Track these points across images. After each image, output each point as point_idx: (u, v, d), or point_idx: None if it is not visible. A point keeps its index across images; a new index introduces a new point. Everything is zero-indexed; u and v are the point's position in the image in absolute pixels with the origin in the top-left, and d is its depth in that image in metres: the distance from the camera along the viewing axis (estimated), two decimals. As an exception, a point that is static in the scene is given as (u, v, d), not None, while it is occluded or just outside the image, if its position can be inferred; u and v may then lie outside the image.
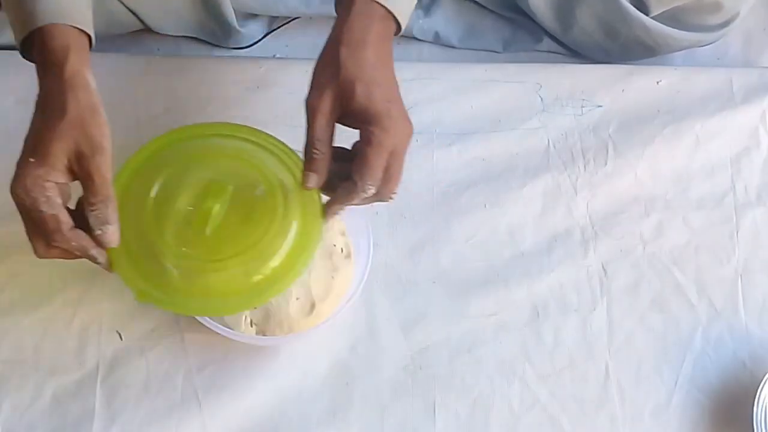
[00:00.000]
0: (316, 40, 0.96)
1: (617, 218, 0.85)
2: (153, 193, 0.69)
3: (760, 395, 0.75)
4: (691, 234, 0.85)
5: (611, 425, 0.77)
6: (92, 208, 0.63)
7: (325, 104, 0.66)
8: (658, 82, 0.91)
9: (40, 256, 0.65)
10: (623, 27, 0.94)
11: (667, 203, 0.86)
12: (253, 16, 0.93)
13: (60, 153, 0.62)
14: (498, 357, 0.79)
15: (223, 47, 0.94)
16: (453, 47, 0.97)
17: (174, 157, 0.72)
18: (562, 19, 0.96)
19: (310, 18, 0.95)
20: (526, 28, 0.99)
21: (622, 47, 0.95)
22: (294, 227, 0.69)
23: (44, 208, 0.62)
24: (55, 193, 0.62)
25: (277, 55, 0.95)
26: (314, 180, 0.68)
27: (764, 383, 0.76)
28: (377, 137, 0.65)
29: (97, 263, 0.66)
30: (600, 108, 0.89)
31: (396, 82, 0.68)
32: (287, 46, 0.96)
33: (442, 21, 0.97)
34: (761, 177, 0.88)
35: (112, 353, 0.76)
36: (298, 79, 0.86)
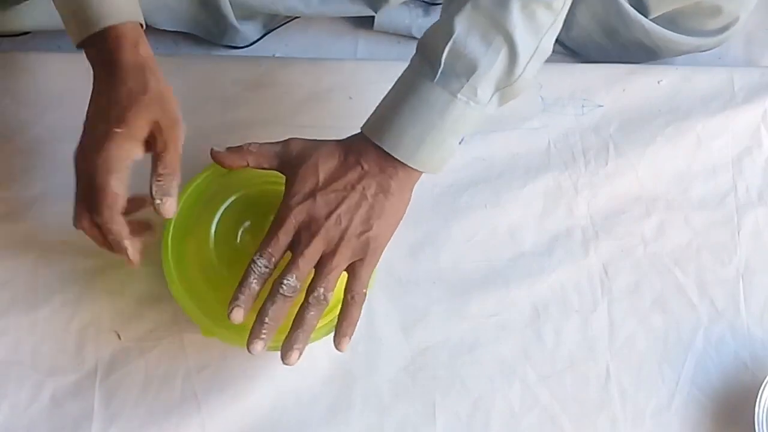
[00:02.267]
0: (315, 39, 0.97)
1: (618, 218, 0.85)
2: (213, 228, 0.73)
3: (761, 396, 0.75)
4: (693, 234, 0.85)
5: (612, 426, 0.77)
6: (159, 179, 0.66)
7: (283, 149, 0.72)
8: (659, 82, 0.91)
9: (79, 227, 0.67)
10: (622, 28, 0.93)
11: (669, 203, 0.86)
12: (251, 15, 0.93)
13: (145, 124, 0.65)
14: (498, 357, 0.79)
15: (220, 45, 0.94)
16: (453, 47, 0.97)
17: (229, 190, 0.75)
18: None
19: (310, 18, 0.95)
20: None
21: (622, 49, 0.95)
22: None
23: (113, 182, 0.64)
24: (128, 174, 0.65)
25: (277, 55, 0.95)
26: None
27: (766, 384, 0.76)
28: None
29: (124, 254, 0.67)
30: (601, 108, 0.89)
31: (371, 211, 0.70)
32: (287, 45, 0.96)
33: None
34: (763, 177, 0.88)
35: (111, 354, 0.75)
36: (298, 78, 0.87)
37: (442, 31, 0.68)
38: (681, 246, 0.84)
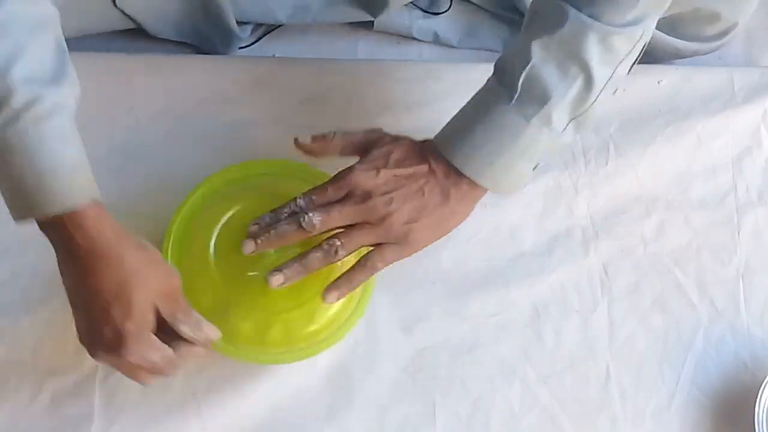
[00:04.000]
0: (315, 40, 0.97)
1: (618, 218, 0.85)
2: (213, 242, 0.73)
3: (761, 396, 0.75)
4: (693, 234, 0.85)
5: (612, 426, 0.77)
6: (184, 323, 0.65)
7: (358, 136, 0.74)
8: (659, 82, 0.91)
9: (147, 383, 0.66)
10: None
11: (669, 203, 0.86)
12: (254, 26, 0.93)
13: (151, 306, 0.63)
14: (498, 357, 0.79)
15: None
16: (453, 47, 0.97)
17: (227, 201, 0.75)
18: None
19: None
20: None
21: None
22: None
23: (157, 359, 0.64)
24: (158, 340, 0.64)
25: (277, 55, 0.95)
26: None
27: (766, 384, 0.76)
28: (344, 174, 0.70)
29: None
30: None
31: (446, 220, 0.72)
32: (287, 45, 0.96)
33: (442, 21, 0.97)
34: (763, 177, 0.88)
35: (112, 354, 0.76)
36: (298, 78, 0.87)
37: (521, 56, 0.68)
38: (681, 246, 0.84)
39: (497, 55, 0.98)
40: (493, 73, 0.72)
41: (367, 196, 0.69)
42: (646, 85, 0.90)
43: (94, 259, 0.62)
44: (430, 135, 0.86)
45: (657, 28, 0.92)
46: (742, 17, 0.94)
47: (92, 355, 0.64)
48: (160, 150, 0.82)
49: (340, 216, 0.69)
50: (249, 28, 0.94)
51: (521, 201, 0.85)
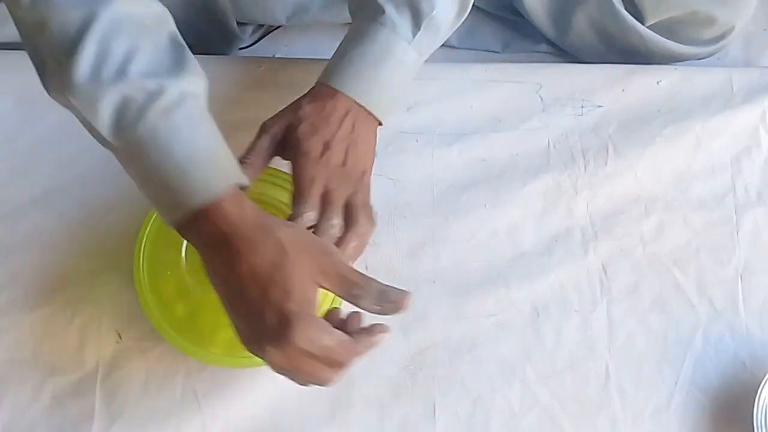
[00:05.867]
0: (315, 40, 0.97)
1: (617, 218, 0.85)
2: (184, 247, 0.73)
3: (760, 396, 0.75)
4: (692, 234, 0.85)
5: (611, 425, 0.77)
6: (370, 299, 0.60)
7: (270, 124, 0.73)
8: (658, 82, 0.91)
9: (330, 382, 0.61)
10: (619, 34, 0.94)
11: (668, 203, 0.86)
12: (254, 27, 0.93)
13: (311, 289, 0.59)
14: (498, 357, 0.79)
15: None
16: (453, 47, 0.97)
17: None
18: (557, 23, 0.96)
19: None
20: (525, 31, 0.99)
21: (618, 55, 0.95)
22: None
23: (330, 342, 0.59)
24: (327, 323, 0.60)
25: (277, 55, 0.95)
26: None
27: (765, 383, 0.76)
28: (302, 165, 0.70)
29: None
30: (600, 108, 0.89)
31: (347, 142, 0.72)
32: (287, 46, 0.96)
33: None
34: (762, 177, 0.88)
35: (112, 353, 0.76)
36: (298, 79, 0.86)
37: None
38: (680, 246, 0.85)
39: (497, 55, 0.99)
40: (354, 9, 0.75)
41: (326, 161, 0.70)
42: (645, 86, 0.91)
43: (241, 244, 0.58)
44: (430, 135, 0.87)
45: (654, 31, 0.93)
46: (738, 21, 0.94)
47: (261, 353, 0.59)
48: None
49: (336, 198, 0.70)
50: (249, 29, 0.94)
51: (521, 201, 0.85)
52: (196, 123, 0.60)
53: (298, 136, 0.71)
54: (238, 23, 0.90)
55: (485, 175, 0.85)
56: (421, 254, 0.82)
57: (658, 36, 0.93)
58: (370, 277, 0.61)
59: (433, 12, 0.72)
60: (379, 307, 0.60)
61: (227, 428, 0.74)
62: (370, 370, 0.77)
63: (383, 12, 0.72)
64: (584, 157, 0.87)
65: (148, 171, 0.60)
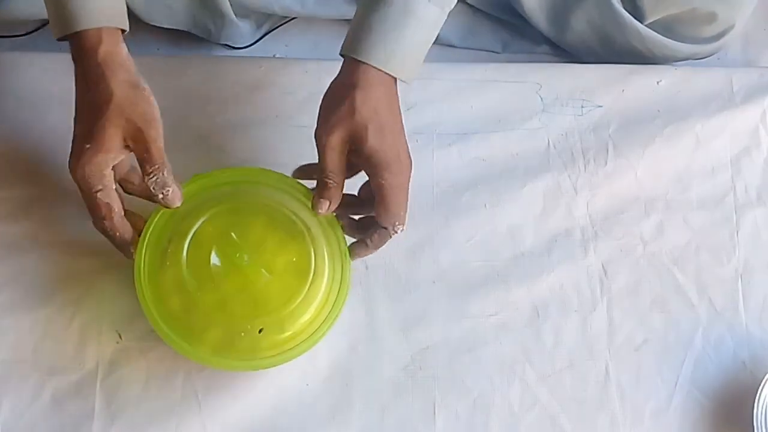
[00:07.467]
0: (315, 40, 0.97)
1: (617, 218, 0.85)
2: (185, 250, 0.72)
3: (760, 395, 0.76)
4: (692, 234, 0.85)
5: (611, 425, 0.77)
6: (151, 176, 0.68)
7: (336, 140, 0.69)
8: (658, 82, 0.91)
9: (97, 228, 0.70)
10: (617, 34, 0.93)
11: (668, 203, 0.86)
12: (248, 14, 0.93)
13: (115, 135, 0.66)
14: (498, 357, 0.79)
15: (219, 44, 0.94)
16: (453, 47, 0.97)
17: (201, 208, 0.74)
18: (556, 24, 0.96)
19: (309, 19, 0.95)
20: (524, 31, 0.99)
21: (618, 55, 0.95)
22: (324, 283, 0.72)
23: (100, 195, 0.67)
24: (111, 181, 0.68)
25: (277, 55, 0.95)
26: (326, 206, 0.71)
27: (765, 383, 0.76)
28: (389, 182, 0.69)
29: (129, 255, 0.72)
30: (600, 108, 0.89)
31: (401, 124, 0.71)
32: (287, 46, 0.96)
33: (442, 21, 0.97)
34: (762, 177, 0.88)
35: (112, 353, 0.76)
36: (298, 79, 0.87)
37: None
38: (680, 246, 0.85)
39: (497, 55, 0.99)
40: None
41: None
42: (645, 86, 0.91)
43: (85, 80, 0.67)
44: (430, 135, 0.87)
45: (654, 30, 0.93)
46: (739, 18, 0.94)
47: (69, 168, 0.67)
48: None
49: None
50: (248, 25, 0.94)
51: (521, 201, 0.85)
52: None
53: (375, 148, 0.69)
54: (236, 17, 0.90)
55: (485, 175, 0.85)
56: (421, 254, 0.82)
57: (658, 35, 0.93)
58: (167, 165, 0.68)
59: None
60: (154, 192, 0.69)
61: (227, 428, 0.74)
62: (370, 370, 0.77)
63: None
64: (584, 157, 0.87)
65: None
